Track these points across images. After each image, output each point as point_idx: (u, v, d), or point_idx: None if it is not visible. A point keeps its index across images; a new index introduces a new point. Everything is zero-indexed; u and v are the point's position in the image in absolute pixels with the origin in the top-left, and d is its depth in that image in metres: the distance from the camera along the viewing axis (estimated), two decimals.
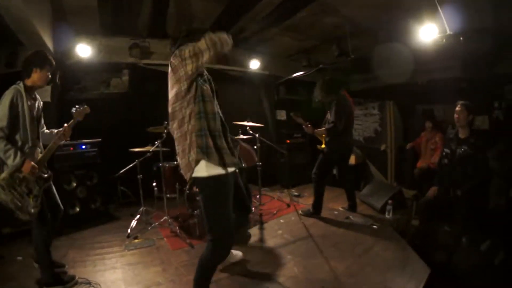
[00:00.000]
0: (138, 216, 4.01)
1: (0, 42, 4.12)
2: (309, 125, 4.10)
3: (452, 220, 3.34)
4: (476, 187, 3.21)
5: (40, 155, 2.53)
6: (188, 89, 1.93)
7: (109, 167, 4.59)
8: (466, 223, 3.22)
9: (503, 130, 4.55)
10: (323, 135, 4.11)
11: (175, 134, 2.05)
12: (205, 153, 1.91)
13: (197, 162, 1.92)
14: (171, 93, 1.99)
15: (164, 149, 3.93)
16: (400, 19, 4.10)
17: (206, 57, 1.88)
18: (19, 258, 3.16)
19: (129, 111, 5.31)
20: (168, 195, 3.95)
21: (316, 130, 4.12)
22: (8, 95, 2.34)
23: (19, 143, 2.38)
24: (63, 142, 2.73)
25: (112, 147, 4.62)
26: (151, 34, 4.99)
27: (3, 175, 2.29)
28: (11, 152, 2.27)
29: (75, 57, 4.54)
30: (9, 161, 2.27)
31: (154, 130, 3.91)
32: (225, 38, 1.93)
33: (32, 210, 2.34)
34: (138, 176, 4.10)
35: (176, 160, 3.70)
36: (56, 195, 2.77)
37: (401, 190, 4.55)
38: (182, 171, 2.06)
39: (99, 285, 2.63)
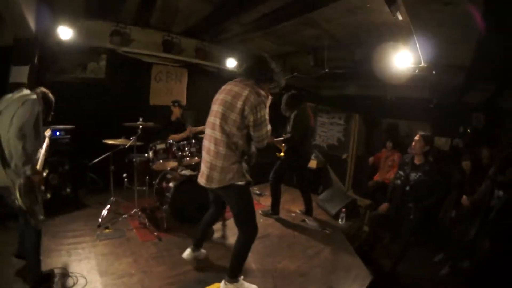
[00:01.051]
0: (108, 206, 4.29)
1: None
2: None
3: (400, 233, 3.93)
4: (429, 206, 3.75)
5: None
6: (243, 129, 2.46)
7: (80, 154, 4.83)
8: (415, 236, 3.81)
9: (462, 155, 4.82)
10: (282, 144, 4.60)
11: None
12: None
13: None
14: (233, 114, 2.42)
15: (138, 143, 4.20)
16: (377, 41, 4.46)
17: (257, 133, 2.48)
18: None
19: (104, 98, 5.48)
20: (138, 187, 4.26)
21: (275, 139, 4.54)
22: (35, 104, 2.47)
23: (33, 149, 2.47)
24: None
25: (85, 134, 4.79)
26: (134, 22, 5.12)
27: (20, 180, 2.38)
28: (29, 163, 2.38)
29: (55, 37, 4.54)
30: (26, 170, 2.37)
31: (130, 125, 4.16)
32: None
33: (42, 217, 2.55)
34: (110, 167, 4.35)
35: (147, 153, 4.10)
36: None
37: (354, 200, 5.17)
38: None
39: (82, 276, 2.89)
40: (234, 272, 2.70)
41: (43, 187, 2.63)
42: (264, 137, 2.51)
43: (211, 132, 2.54)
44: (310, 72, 5.85)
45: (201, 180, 2.65)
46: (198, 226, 3.23)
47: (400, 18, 3.12)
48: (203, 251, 3.35)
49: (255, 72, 2.55)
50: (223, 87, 2.64)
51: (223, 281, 2.73)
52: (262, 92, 2.47)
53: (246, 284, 2.77)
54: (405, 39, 3.90)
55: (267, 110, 2.52)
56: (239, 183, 2.49)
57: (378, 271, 3.49)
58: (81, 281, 2.84)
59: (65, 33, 4.50)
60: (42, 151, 2.74)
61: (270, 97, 2.60)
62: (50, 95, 2.81)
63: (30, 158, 2.38)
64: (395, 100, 5.79)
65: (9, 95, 2.51)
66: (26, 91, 2.57)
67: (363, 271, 3.29)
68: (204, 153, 2.65)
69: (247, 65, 2.60)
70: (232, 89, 2.50)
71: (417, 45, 3.58)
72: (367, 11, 3.75)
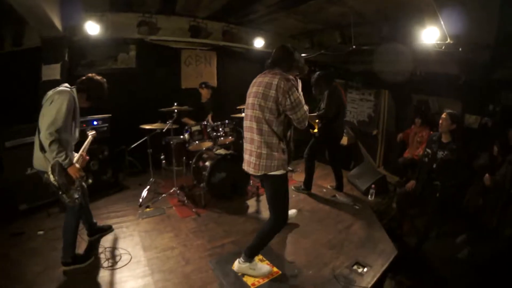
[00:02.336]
0: (148, 186, 4.74)
1: (6, 21, 4.42)
2: None
3: (425, 212, 4.07)
4: (454, 187, 3.85)
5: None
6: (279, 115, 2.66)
7: (118, 140, 5.30)
8: (440, 215, 3.92)
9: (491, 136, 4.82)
10: (316, 121, 4.82)
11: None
12: None
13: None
14: (268, 103, 2.61)
15: (174, 126, 4.59)
16: (404, 17, 4.49)
17: (295, 115, 2.66)
18: (40, 232, 3.65)
19: (137, 86, 5.90)
20: (176, 167, 4.67)
21: (309, 115, 4.79)
22: (64, 97, 2.65)
23: (64, 144, 2.69)
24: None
25: (121, 121, 5.22)
26: (160, 11, 5.37)
27: (55, 161, 2.66)
28: (63, 153, 2.63)
29: (83, 33, 4.81)
30: (60, 160, 2.64)
31: (165, 110, 4.54)
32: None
33: (77, 196, 2.81)
34: (148, 151, 4.79)
35: (183, 135, 4.48)
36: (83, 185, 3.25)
37: (384, 176, 5.33)
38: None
39: (126, 252, 3.31)
40: (253, 252, 2.94)
41: (82, 174, 2.88)
42: (303, 118, 2.69)
43: (250, 124, 2.75)
44: (338, 48, 5.92)
45: (248, 168, 2.82)
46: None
47: None
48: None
49: (281, 62, 2.73)
50: (254, 80, 2.82)
51: (237, 260, 2.98)
52: (291, 77, 2.64)
53: (259, 264, 3.02)
54: (431, 15, 3.88)
55: (300, 92, 2.70)
56: (279, 173, 2.70)
57: (404, 247, 3.67)
58: (126, 257, 3.25)
59: (92, 28, 4.78)
60: (83, 146, 3.03)
61: (299, 80, 2.80)
62: (95, 79, 2.99)
63: (60, 151, 2.62)
64: (425, 76, 5.74)
65: (50, 92, 2.79)
66: (61, 88, 2.78)
67: (389, 246, 3.49)
68: (246, 144, 2.84)
69: (272, 57, 2.77)
70: (263, 81, 2.67)
71: (441, 22, 3.61)
72: None
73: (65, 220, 3.00)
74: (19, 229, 3.71)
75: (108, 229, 3.74)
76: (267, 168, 2.67)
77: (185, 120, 5.31)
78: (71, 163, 2.73)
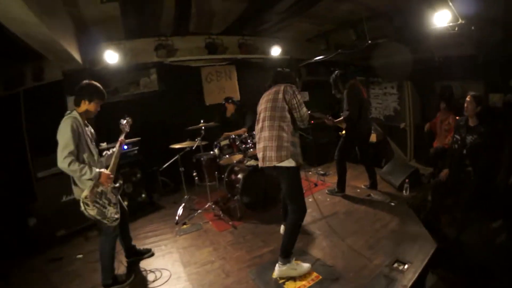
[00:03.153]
0: (183, 204, 4.87)
1: (26, 58, 4.70)
2: (330, 118, 4.86)
3: (462, 200, 3.98)
4: (487, 170, 3.77)
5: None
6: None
7: (149, 161, 5.49)
8: (476, 201, 3.82)
9: None
10: (343, 123, 4.83)
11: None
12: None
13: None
14: (278, 103, 3.06)
15: (203, 143, 4.73)
16: (413, 5, 4.48)
17: (298, 113, 3.10)
18: (79, 256, 3.79)
19: (161, 107, 6.13)
20: (208, 183, 4.79)
21: (335, 120, 4.87)
22: (66, 123, 2.75)
23: (86, 162, 2.82)
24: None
25: (150, 143, 5.44)
26: (175, 33, 5.60)
27: (85, 193, 2.75)
28: (86, 169, 2.71)
29: (102, 62, 5.09)
30: (87, 177, 2.73)
31: (192, 128, 4.71)
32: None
33: (116, 216, 2.95)
34: (181, 169, 4.95)
35: (213, 151, 4.61)
36: (121, 201, 3.38)
37: (417, 169, 5.23)
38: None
39: (166, 269, 3.39)
40: (287, 252, 3.02)
41: (114, 185, 3.06)
42: (305, 117, 3.11)
43: (262, 124, 3.14)
44: (353, 46, 5.90)
45: (260, 163, 3.15)
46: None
47: None
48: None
49: (280, 80, 3.28)
50: (262, 96, 3.32)
51: (277, 265, 3.05)
52: (294, 86, 3.16)
53: (299, 264, 3.08)
54: None
55: (301, 98, 3.13)
56: (291, 165, 2.98)
57: (444, 239, 3.59)
58: (166, 274, 3.33)
59: (111, 57, 5.03)
60: (111, 160, 3.13)
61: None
62: (92, 85, 3.05)
63: (82, 167, 2.70)
64: (444, 61, 5.64)
65: None
66: (67, 112, 2.91)
67: (428, 241, 3.43)
68: (258, 144, 3.20)
69: (272, 79, 3.34)
70: (271, 92, 3.20)
71: (450, 3, 3.65)
72: None
73: (100, 244, 3.10)
74: (58, 255, 3.89)
75: (146, 253, 3.78)
76: (277, 159, 2.95)
77: (225, 134, 5.41)
78: (99, 174, 2.84)
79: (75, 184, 2.86)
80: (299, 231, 3.09)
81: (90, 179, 2.79)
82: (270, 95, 3.16)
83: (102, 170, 2.91)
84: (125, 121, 3.46)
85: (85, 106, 2.98)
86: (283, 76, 3.34)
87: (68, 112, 2.92)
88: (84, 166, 2.73)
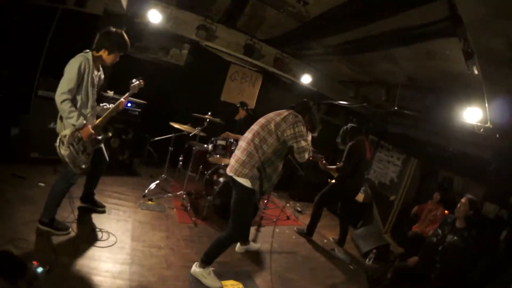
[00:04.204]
0: (157, 181, 4.82)
1: None
2: (323, 162, 4.85)
3: None
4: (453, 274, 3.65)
5: (96, 121, 3.09)
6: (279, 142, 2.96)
7: (145, 128, 5.44)
8: None
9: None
10: (335, 173, 4.81)
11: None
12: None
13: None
14: (270, 125, 2.98)
15: (202, 134, 4.71)
16: (451, 91, 4.54)
17: (296, 144, 2.93)
18: (41, 184, 3.77)
19: (179, 84, 6.11)
20: (190, 172, 4.75)
21: (328, 166, 4.86)
22: (76, 60, 2.76)
23: (79, 104, 2.84)
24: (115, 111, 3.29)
25: (153, 111, 5.40)
26: (221, 20, 5.56)
27: (66, 131, 2.79)
28: (74, 114, 2.74)
29: (145, 18, 4.99)
30: (72, 121, 2.75)
31: (198, 116, 4.69)
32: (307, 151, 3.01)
33: (83, 166, 2.96)
34: (170, 148, 4.90)
35: (207, 145, 4.56)
36: (104, 150, 3.44)
37: (388, 244, 5.21)
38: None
39: (114, 235, 3.34)
40: (207, 259, 3.06)
41: (96, 138, 3.07)
42: (304, 149, 2.94)
43: (247, 135, 3.09)
44: (380, 105, 5.91)
45: (228, 170, 3.09)
46: None
47: (476, 72, 3.15)
48: (253, 243, 3.95)
49: (298, 108, 3.20)
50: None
51: (195, 263, 3.11)
52: (300, 116, 3.04)
53: (212, 275, 3.09)
54: (477, 94, 3.87)
55: (305, 131, 3.01)
56: (247, 184, 2.91)
57: None
58: (112, 239, 3.29)
59: (155, 16, 4.95)
60: (104, 114, 3.13)
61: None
62: (118, 34, 3.00)
63: (72, 111, 2.72)
64: (456, 154, 5.63)
65: None
66: (85, 50, 2.90)
67: None
68: (236, 151, 3.14)
69: (296, 104, 3.27)
70: (278, 112, 3.13)
71: (486, 104, 3.60)
72: (445, 58, 3.81)
73: (54, 183, 3.08)
74: (23, 174, 3.87)
75: (100, 207, 3.79)
76: (237, 172, 2.94)
77: (227, 134, 5.38)
78: (83, 126, 2.83)
79: (61, 119, 2.86)
80: (224, 249, 3.10)
81: (74, 125, 2.80)
82: (273, 114, 3.12)
83: (88, 125, 2.89)
84: (136, 82, 3.45)
85: (104, 54, 2.98)
86: (303, 106, 3.25)
87: (86, 50, 2.92)
88: (74, 111, 2.75)
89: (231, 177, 3.04)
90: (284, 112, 3.05)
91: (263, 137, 2.94)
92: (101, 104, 3.32)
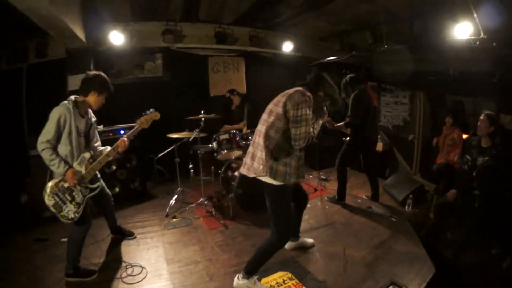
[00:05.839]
0: (175, 196, 4.69)
1: (29, 34, 4.53)
2: (331, 121, 4.57)
3: (464, 223, 3.75)
4: (495, 197, 3.49)
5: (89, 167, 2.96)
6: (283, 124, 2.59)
7: (146, 148, 5.29)
8: (478, 226, 3.59)
9: None
10: (347, 128, 4.62)
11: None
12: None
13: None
14: (278, 108, 2.61)
15: (202, 135, 4.54)
16: (435, 13, 4.27)
17: (294, 130, 2.53)
18: (64, 239, 3.54)
19: (164, 94, 5.90)
20: (204, 177, 4.61)
21: (336, 125, 4.60)
22: (56, 112, 2.71)
23: (63, 154, 2.78)
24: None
25: (149, 130, 5.20)
26: (184, 18, 5.38)
27: (50, 183, 2.77)
28: (56, 161, 2.69)
29: (107, 43, 4.92)
30: (53, 169, 2.72)
31: (192, 118, 4.52)
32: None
33: (72, 215, 2.84)
34: (176, 160, 4.74)
35: (211, 144, 4.40)
36: (103, 186, 3.35)
37: (422, 185, 5.01)
38: None
39: (146, 265, 3.23)
40: (252, 268, 2.78)
41: (89, 185, 2.98)
42: (301, 137, 2.52)
43: (260, 127, 2.74)
44: (369, 49, 5.66)
45: (242, 169, 2.81)
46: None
47: None
48: (304, 239, 3.60)
49: (310, 84, 2.81)
50: None
51: (237, 275, 2.83)
52: (308, 93, 2.62)
53: (259, 284, 2.84)
54: (464, 8, 3.71)
55: (310, 113, 2.59)
56: (275, 182, 2.59)
57: (442, 262, 3.35)
58: (147, 270, 3.17)
59: (117, 38, 4.87)
60: (99, 158, 3.00)
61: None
62: (102, 76, 2.97)
63: (52, 159, 2.68)
64: (459, 75, 5.39)
65: None
66: (67, 100, 2.84)
67: (427, 265, 3.20)
68: (250, 147, 2.83)
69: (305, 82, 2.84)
70: (284, 91, 2.72)
71: (475, 15, 3.46)
72: None
73: (71, 230, 3.01)
74: (43, 236, 3.80)
75: (129, 235, 3.81)
76: (255, 171, 2.63)
77: (226, 127, 5.22)
78: (65, 171, 2.75)
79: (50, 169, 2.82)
80: (270, 256, 2.77)
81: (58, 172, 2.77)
82: (279, 95, 2.72)
83: (71, 170, 2.78)
84: (147, 114, 3.42)
85: (93, 98, 2.92)
86: (313, 79, 2.86)
87: (70, 97, 2.87)
88: (55, 158, 2.70)
89: (253, 178, 2.70)
90: (291, 90, 2.65)
91: (272, 123, 2.60)
92: (98, 149, 3.23)
